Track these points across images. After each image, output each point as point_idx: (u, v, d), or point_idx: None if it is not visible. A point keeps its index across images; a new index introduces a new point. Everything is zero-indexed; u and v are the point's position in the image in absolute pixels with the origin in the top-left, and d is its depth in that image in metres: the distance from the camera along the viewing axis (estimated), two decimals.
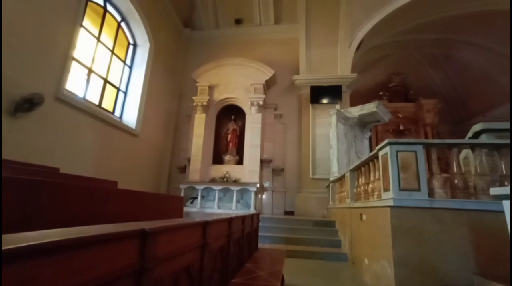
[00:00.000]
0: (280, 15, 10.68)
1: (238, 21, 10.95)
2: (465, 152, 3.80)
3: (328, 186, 7.53)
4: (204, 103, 9.22)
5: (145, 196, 2.75)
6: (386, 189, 3.20)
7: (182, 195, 8.14)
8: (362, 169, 4.49)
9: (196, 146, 8.94)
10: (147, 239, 0.99)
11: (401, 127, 13.53)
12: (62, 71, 5.66)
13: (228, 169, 8.82)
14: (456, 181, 3.16)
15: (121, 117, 8.20)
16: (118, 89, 8.13)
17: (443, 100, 13.69)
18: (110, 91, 7.73)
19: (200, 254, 1.69)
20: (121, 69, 8.30)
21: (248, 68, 9.43)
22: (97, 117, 6.73)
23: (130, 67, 8.70)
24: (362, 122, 8.55)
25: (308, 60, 9.41)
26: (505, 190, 1.76)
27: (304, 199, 8.44)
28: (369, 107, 7.84)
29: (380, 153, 3.45)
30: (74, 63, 6.13)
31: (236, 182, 8.39)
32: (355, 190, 4.86)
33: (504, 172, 3.15)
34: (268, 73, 9.32)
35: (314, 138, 8.93)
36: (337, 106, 8.33)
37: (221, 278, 2.11)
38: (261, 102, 9.01)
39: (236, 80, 9.39)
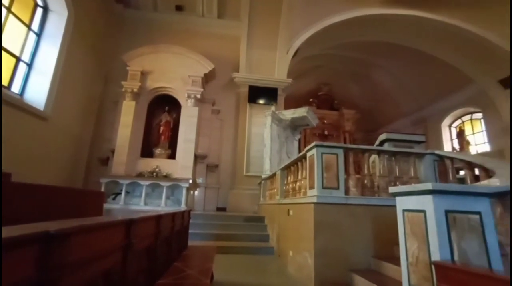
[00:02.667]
0: (224, 9, 10.54)
1: (178, 8, 10.34)
2: (374, 156, 4.50)
3: (260, 183, 7.85)
4: (135, 90, 8.39)
5: (55, 191, 2.34)
6: (311, 187, 3.53)
7: (102, 190, 7.23)
8: (292, 168, 4.84)
9: (123, 136, 8.06)
10: (52, 243, 0.83)
11: (326, 132, 15.16)
12: None
13: (159, 163, 8.26)
14: (366, 181, 3.73)
15: (21, 94, 6.74)
16: (18, 59, 6.64)
17: (360, 111, 15.90)
18: (4, 60, 6.20)
19: (123, 255, 1.54)
20: (23, 35, 6.79)
21: (188, 59, 9.01)
22: None
23: (38, 36, 7.20)
24: (294, 125, 9.21)
25: (248, 60, 9.59)
26: (398, 189, 2.17)
27: (237, 195, 8.60)
28: (301, 111, 8.51)
29: (308, 154, 3.78)
30: None
31: (166, 177, 7.93)
32: (284, 187, 5.20)
33: (397, 174, 3.89)
34: (208, 66, 9.10)
35: (250, 136, 9.18)
36: (273, 107, 8.74)
37: (147, 279, 1.96)
38: (198, 96, 8.73)
39: (174, 69, 8.86)
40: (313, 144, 3.60)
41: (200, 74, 8.94)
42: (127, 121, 8.19)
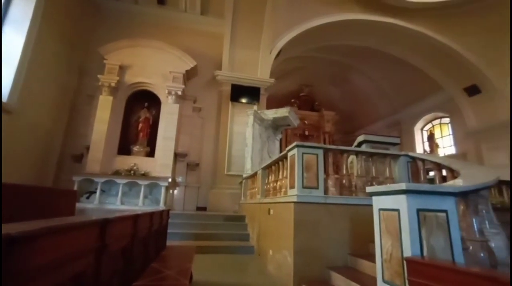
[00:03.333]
0: (207, 6, 10.39)
1: (160, 1, 10.04)
2: (352, 157, 4.65)
3: (241, 182, 7.84)
4: (113, 84, 8.05)
5: (20, 189, 2.19)
6: (292, 186, 3.58)
7: (75, 188, 6.88)
8: (273, 167, 4.88)
9: (99, 132, 7.71)
10: (13, 247, 0.77)
11: (306, 133, 15.45)
12: None
13: (137, 160, 7.99)
14: (344, 181, 3.84)
15: None
16: None
17: (339, 113, 16.36)
18: None
19: (96, 258, 1.47)
20: None
21: (169, 54, 8.79)
22: None
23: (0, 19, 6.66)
24: (275, 125, 9.29)
25: (231, 58, 9.53)
26: (375, 188, 2.26)
27: (218, 194, 8.52)
28: (283, 112, 8.60)
29: (289, 154, 3.83)
30: None
31: (145, 175, 7.69)
32: (265, 187, 5.23)
33: (374, 175, 4.05)
34: (189, 63, 8.93)
35: (232, 135, 9.13)
36: (255, 107, 8.76)
37: (122, 282, 1.90)
38: (179, 93, 8.55)
39: (154, 65, 8.60)
40: (294, 144, 3.65)
41: (181, 70, 8.75)
42: (104, 116, 7.85)
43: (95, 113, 7.93)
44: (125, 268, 1.99)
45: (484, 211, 2.30)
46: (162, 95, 8.64)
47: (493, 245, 2.09)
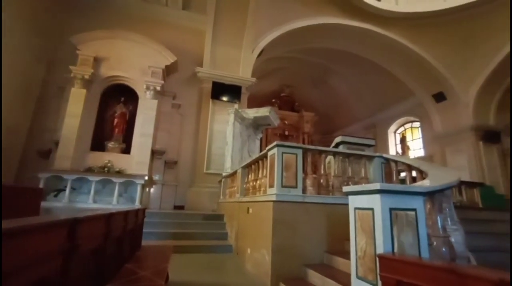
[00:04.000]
0: (189, 1, 10.16)
1: None
2: (329, 157, 4.78)
3: (220, 181, 7.78)
4: (86, 76, 7.63)
5: None
6: (271, 185, 3.61)
7: (41, 186, 6.44)
8: (253, 166, 4.89)
9: (69, 127, 7.27)
10: None
11: (286, 133, 15.66)
12: None
13: (111, 157, 7.65)
14: (322, 180, 3.94)
15: None
16: None
17: (318, 115, 16.75)
18: None
19: (63, 261, 1.38)
20: None
21: (148, 48, 8.49)
22: None
23: None
24: (256, 124, 9.31)
25: (213, 56, 9.41)
26: (351, 188, 2.34)
27: (196, 193, 8.39)
28: (263, 111, 8.64)
29: (269, 153, 3.86)
30: None
31: (120, 172, 7.39)
32: (245, 186, 5.23)
33: (350, 175, 4.19)
34: (169, 58, 8.70)
35: (212, 133, 9.03)
36: (236, 105, 8.72)
37: (94, 284, 1.81)
38: (158, 88, 8.30)
39: (132, 58, 8.27)
40: (274, 143, 3.68)
41: (161, 65, 8.50)
42: (76, 110, 7.42)
43: (66, 106, 7.47)
44: (97, 270, 1.90)
45: (447, 209, 2.47)
46: (139, 90, 8.33)
47: (453, 240, 2.26)
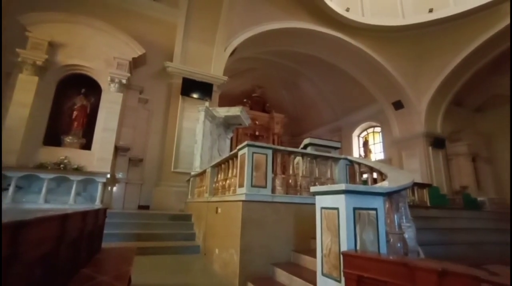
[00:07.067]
0: None
1: None
2: (298, 158, 4.92)
3: (188, 180, 7.59)
4: (39, 63, 6.90)
5: None
6: (241, 185, 3.61)
7: None
8: (222, 165, 4.85)
9: (16, 118, 6.51)
10: None
11: (257, 133, 15.78)
12: None
13: (69, 153, 7.04)
14: (290, 181, 4.04)
15: None
16: None
17: (288, 116, 17.15)
18: None
19: (2, 270, 1.22)
20: None
21: (114, 38, 7.97)
22: None
23: None
24: (227, 123, 9.23)
25: (184, 51, 9.14)
26: (318, 188, 2.44)
27: (163, 192, 8.08)
28: (235, 110, 8.59)
29: (240, 153, 3.86)
30: None
31: (78, 170, 6.83)
32: (214, 185, 5.16)
33: (317, 175, 4.36)
34: (137, 50, 8.26)
35: (181, 131, 8.77)
36: (207, 103, 8.56)
37: None
38: (124, 81, 7.83)
39: (96, 47, 7.70)
40: (245, 143, 3.69)
41: (128, 57, 8.04)
42: (25, 99, 6.68)
43: (11, 94, 6.68)
44: (45, 278, 1.73)
45: (403, 208, 2.69)
46: (103, 82, 7.79)
47: (406, 236, 2.46)
